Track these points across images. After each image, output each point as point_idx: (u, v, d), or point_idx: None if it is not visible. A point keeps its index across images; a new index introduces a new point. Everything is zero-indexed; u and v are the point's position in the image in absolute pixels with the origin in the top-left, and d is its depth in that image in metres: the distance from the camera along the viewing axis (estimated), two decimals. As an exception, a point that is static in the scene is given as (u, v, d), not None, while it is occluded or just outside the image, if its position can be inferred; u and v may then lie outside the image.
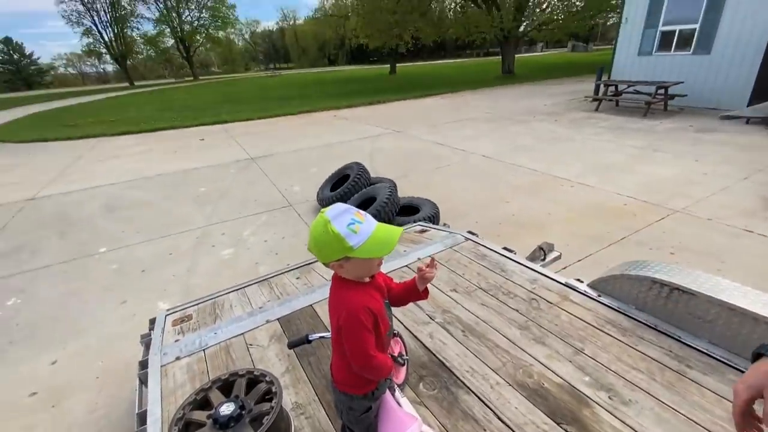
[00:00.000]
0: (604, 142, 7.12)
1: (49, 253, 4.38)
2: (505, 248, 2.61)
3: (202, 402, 1.41)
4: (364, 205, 4.11)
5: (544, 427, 1.37)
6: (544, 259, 2.57)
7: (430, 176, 5.96)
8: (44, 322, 3.15)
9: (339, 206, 0.98)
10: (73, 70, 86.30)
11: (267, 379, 1.44)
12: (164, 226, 4.86)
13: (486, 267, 2.40)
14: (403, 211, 4.27)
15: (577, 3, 20.86)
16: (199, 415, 1.35)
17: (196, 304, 2.42)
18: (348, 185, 4.49)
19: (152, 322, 2.29)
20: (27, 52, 67.75)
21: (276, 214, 4.98)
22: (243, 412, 1.33)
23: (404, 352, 1.62)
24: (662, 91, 8.66)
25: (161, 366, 1.83)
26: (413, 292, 1.19)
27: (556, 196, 4.89)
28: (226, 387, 1.45)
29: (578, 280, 2.21)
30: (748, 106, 7.65)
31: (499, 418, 1.42)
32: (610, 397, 1.46)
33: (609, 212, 4.29)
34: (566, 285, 2.14)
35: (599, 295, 2.02)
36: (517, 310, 1.99)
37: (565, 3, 21.46)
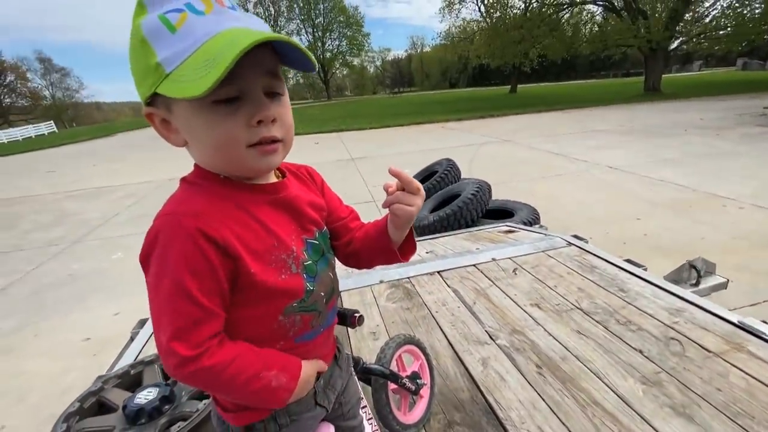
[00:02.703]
0: (796, 159, 5.13)
1: (162, 221, 4.84)
2: (628, 261, 1.75)
3: (135, 378, 1.03)
4: (446, 203, 3.50)
5: None
6: (696, 284, 1.62)
7: (536, 184, 5.01)
8: (129, 277, 3.33)
9: None
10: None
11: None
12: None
13: (594, 282, 1.59)
14: (493, 215, 3.52)
15: (757, 7, 16.29)
16: (118, 397, 0.96)
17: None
18: (433, 180, 3.93)
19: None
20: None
21: (358, 208, 4.67)
22: (166, 405, 0.90)
23: (422, 375, 1.00)
24: None
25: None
26: (381, 239, 0.59)
27: (714, 218, 3.52)
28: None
29: (765, 322, 1.26)
30: None
31: None
32: None
33: (808, 245, 2.85)
34: (740, 326, 1.23)
35: (818, 356, 1.07)
36: (641, 351, 1.17)
37: (739, 8, 16.83)
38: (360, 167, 6.92)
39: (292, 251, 0.51)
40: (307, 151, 9.61)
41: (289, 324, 0.52)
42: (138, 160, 10.84)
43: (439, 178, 3.93)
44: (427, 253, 2.03)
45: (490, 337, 1.31)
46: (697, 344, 1.18)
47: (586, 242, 1.97)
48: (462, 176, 4.50)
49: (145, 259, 0.45)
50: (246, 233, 0.47)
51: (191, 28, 0.40)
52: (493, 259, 1.86)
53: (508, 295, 1.55)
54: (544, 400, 1.03)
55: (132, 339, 1.53)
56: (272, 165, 0.49)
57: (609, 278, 1.61)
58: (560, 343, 1.25)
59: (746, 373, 1.06)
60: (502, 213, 3.51)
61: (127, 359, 1.36)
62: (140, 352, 1.39)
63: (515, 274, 1.71)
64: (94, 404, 0.94)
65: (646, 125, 8.80)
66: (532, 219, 3.23)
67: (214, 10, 0.42)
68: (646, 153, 6.13)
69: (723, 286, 1.65)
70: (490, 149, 7.55)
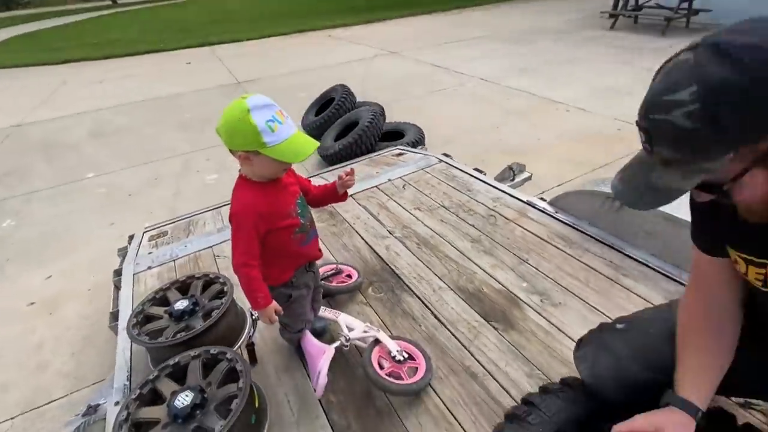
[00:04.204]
0: (613, 63, 6.69)
1: (39, 178, 4.48)
2: (476, 169, 2.63)
3: (161, 300, 1.55)
4: (347, 129, 4.05)
5: (474, 324, 1.51)
6: (513, 179, 2.59)
7: (422, 101, 5.77)
8: (38, 241, 3.34)
9: (262, 98, 0.98)
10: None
11: (220, 280, 1.56)
12: (150, 152, 4.87)
13: (453, 187, 2.45)
14: (388, 137, 4.21)
15: None
16: (157, 310, 1.50)
17: (173, 222, 2.54)
18: (332, 109, 4.38)
19: (131, 237, 2.43)
20: (-3, -36, 62.20)
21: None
22: (196, 307, 1.48)
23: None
24: (686, 4, 7.91)
25: (134, 274, 1.98)
26: (332, 194, 1.28)
27: (549, 121, 4.75)
28: (184, 288, 1.59)
29: (541, 198, 2.25)
30: (777, 21, 6.98)
31: (435, 316, 1.56)
32: (541, 300, 1.58)
33: (599, 138, 4.20)
34: (527, 203, 2.19)
35: (556, 212, 2.07)
36: (474, 225, 2.07)
37: None
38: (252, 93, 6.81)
39: (292, 207, 1.14)
40: (180, 75, 8.74)
41: (297, 238, 1.17)
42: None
43: (337, 105, 4.39)
44: (339, 181, 2.67)
45: (390, 233, 2.09)
46: (503, 216, 2.11)
47: (451, 158, 2.81)
48: (358, 99, 4.99)
49: (231, 221, 1.07)
50: (273, 205, 1.09)
51: (280, 131, 0.96)
52: (389, 180, 2.59)
53: (400, 205, 2.31)
54: (421, 260, 1.86)
55: (117, 288, 1.95)
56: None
57: (463, 183, 2.47)
58: (431, 228, 2.08)
59: (524, 229, 2.01)
60: (396, 134, 4.22)
61: (124, 299, 1.82)
62: (133, 294, 1.85)
63: (404, 189, 2.48)
64: (143, 318, 1.46)
65: (512, 31, 9.92)
66: (419, 138, 4.01)
67: (285, 123, 0.98)
68: (510, 62, 7.22)
69: (529, 178, 2.67)
70: (380, 64, 7.94)
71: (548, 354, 1.35)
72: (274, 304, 1.17)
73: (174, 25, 17.75)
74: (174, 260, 2.07)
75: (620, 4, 9.32)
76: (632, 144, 4.02)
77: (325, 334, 1.51)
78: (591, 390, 0.96)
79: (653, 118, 0.59)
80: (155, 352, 1.40)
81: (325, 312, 1.47)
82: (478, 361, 1.36)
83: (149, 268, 2.02)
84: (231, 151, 1.02)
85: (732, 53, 0.49)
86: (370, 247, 2.00)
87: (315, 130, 4.41)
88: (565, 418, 0.91)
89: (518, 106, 5.23)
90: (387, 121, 4.64)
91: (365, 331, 1.37)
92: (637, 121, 0.64)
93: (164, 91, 7.41)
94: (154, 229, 2.48)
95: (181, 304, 1.45)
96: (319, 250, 1.32)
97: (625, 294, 1.57)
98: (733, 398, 1.14)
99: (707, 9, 8.01)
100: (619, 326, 0.98)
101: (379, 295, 1.69)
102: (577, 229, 1.93)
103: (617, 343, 0.94)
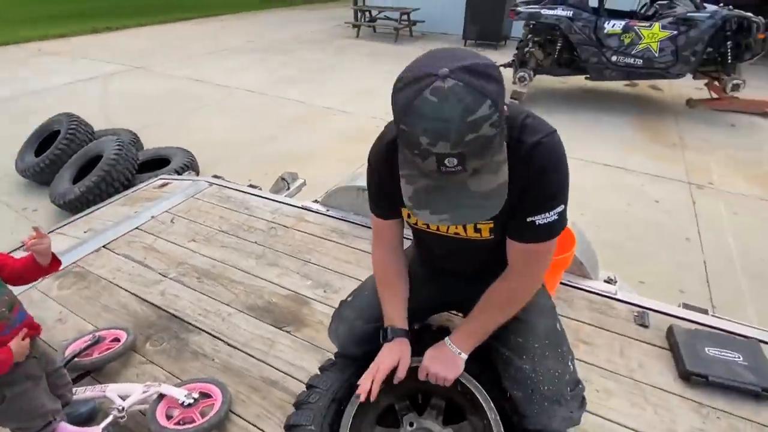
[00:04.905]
0: (362, 68, 7.83)
1: None
2: (250, 185, 2.69)
3: None
4: (88, 167, 3.43)
5: (268, 335, 1.60)
6: (288, 189, 2.79)
7: (188, 119, 5.41)
8: None
9: None
10: None
11: None
12: None
13: (229, 208, 2.44)
14: (150, 167, 3.79)
15: None
16: None
17: None
18: (59, 145, 3.61)
19: None
20: None
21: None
22: None
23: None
24: (405, 16, 9.93)
25: None
26: (34, 267, 1.07)
27: (322, 126, 5.22)
28: None
29: (315, 201, 2.51)
30: (463, 32, 9.60)
31: (228, 344, 1.57)
32: (324, 291, 1.80)
33: (363, 135, 4.89)
34: (302, 207, 2.40)
35: (328, 210, 2.36)
36: (256, 242, 2.14)
37: None
38: None
39: None
40: None
41: None
42: None
43: (66, 139, 3.66)
44: (85, 232, 2.26)
45: (163, 276, 1.94)
46: (283, 225, 2.26)
47: (223, 178, 2.79)
48: (99, 128, 4.28)
49: None
50: None
51: None
52: (152, 217, 2.37)
53: (170, 242, 2.16)
54: (204, 294, 1.81)
55: None
56: None
57: (239, 202, 2.50)
58: (210, 258, 2.04)
59: (303, 232, 2.21)
60: (159, 162, 3.83)
61: None
62: None
63: (173, 223, 2.32)
64: None
65: (271, 41, 10.30)
66: (189, 162, 3.77)
67: None
68: (274, 72, 7.51)
69: (303, 184, 2.91)
70: (122, 83, 6.95)
71: (337, 337, 1.56)
72: (12, 343, 0.98)
73: None
74: None
75: (360, 16, 10.93)
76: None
77: (96, 416, 1.31)
78: (343, 355, 1.19)
79: (469, 140, 0.64)
80: None
81: (86, 392, 1.28)
82: (276, 369, 1.46)
83: None
84: None
85: (488, 72, 0.65)
86: (140, 298, 1.81)
87: (39, 175, 3.57)
88: (338, 387, 1.10)
89: (289, 114, 5.54)
90: (146, 148, 4.18)
91: (144, 392, 1.27)
92: (447, 154, 0.66)
93: None
94: None
95: None
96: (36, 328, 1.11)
97: (389, 265, 1.94)
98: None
99: (422, 20, 10.28)
100: (348, 299, 1.25)
101: (160, 346, 1.57)
102: (346, 221, 2.25)
103: (347, 311, 1.20)
